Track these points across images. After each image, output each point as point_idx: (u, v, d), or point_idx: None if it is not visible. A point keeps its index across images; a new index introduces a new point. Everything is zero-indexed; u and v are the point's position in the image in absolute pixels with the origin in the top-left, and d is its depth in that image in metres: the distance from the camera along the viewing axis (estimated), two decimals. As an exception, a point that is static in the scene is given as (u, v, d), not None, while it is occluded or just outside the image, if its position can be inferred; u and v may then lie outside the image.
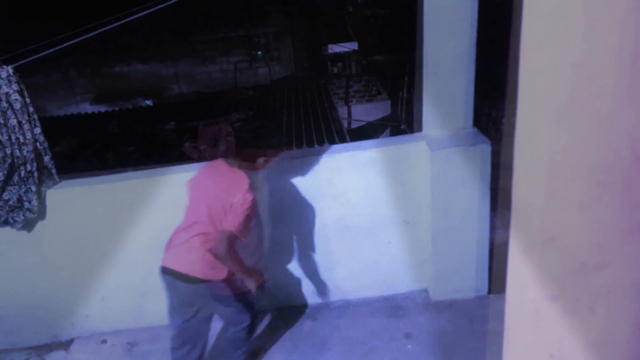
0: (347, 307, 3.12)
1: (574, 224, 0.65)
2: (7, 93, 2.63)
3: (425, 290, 3.13)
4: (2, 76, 2.63)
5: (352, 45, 9.49)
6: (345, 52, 9.84)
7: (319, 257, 3.04)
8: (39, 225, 2.86)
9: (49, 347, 3.13)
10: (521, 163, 0.70)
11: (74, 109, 10.29)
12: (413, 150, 2.80)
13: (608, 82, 0.60)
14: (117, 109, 8.40)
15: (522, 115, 0.68)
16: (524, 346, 0.76)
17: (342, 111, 9.12)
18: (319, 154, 2.85)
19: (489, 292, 3.03)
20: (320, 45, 10.22)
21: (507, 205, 0.76)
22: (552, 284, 0.67)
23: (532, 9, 0.65)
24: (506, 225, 0.78)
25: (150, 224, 2.90)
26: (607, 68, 0.59)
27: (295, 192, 2.86)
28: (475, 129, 2.81)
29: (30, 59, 2.71)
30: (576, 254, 0.65)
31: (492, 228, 2.89)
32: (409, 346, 2.78)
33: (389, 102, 9.36)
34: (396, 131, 7.99)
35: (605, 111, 0.61)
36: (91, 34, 2.67)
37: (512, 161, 0.72)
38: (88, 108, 9.95)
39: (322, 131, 5.87)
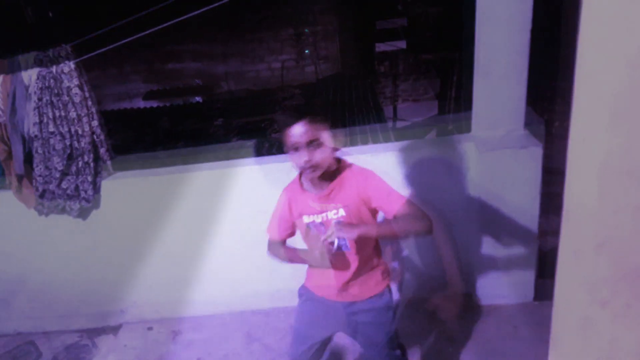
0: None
1: (627, 228, 0.63)
2: (68, 87, 2.76)
3: (469, 295, 3.08)
4: (65, 71, 2.76)
5: (401, 44, 9.39)
6: (393, 51, 9.74)
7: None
8: (94, 213, 2.99)
9: (99, 331, 3.28)
10: (574, 165, 0.68)
11: (127, 104, 10.65)
12: (461, 151, 2.76)
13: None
14: (168, 104, 8.64)
15: (577, 116, 0.66)
16: (571, 351, 0.74)
17: (388, 110, 9.05)
18: (362, 153, 2.85)
19: (535, 298, 2.95)
20: (368, 44, 10.16)
21: (558, 211, 0.74)
22: (602, 289, 0.66)
23: (590, 9, 0.63)
24: (555, 232, 0.77)
25: (199, 216, 2.99)
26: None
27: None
28: (527, 131, 2.74)
29: (90, 55, 2.82)
30: (629, 259, 0.63)
31: (541, 233, 2.81)
32: (450, 349, 2.75)
33: (436, 102, 9.21)
34: (443, 132, 7.85)
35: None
36: (146, 32, 2.75)
37: (564, 165, 0.71)
38: (140, 103, 10.27)
39: (366, 130, 5.85)
